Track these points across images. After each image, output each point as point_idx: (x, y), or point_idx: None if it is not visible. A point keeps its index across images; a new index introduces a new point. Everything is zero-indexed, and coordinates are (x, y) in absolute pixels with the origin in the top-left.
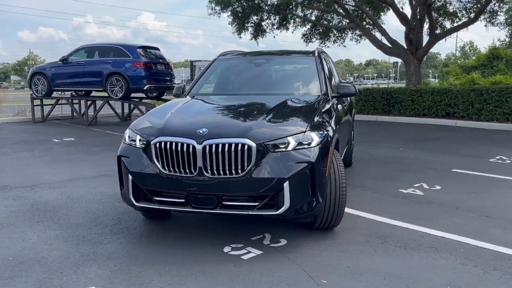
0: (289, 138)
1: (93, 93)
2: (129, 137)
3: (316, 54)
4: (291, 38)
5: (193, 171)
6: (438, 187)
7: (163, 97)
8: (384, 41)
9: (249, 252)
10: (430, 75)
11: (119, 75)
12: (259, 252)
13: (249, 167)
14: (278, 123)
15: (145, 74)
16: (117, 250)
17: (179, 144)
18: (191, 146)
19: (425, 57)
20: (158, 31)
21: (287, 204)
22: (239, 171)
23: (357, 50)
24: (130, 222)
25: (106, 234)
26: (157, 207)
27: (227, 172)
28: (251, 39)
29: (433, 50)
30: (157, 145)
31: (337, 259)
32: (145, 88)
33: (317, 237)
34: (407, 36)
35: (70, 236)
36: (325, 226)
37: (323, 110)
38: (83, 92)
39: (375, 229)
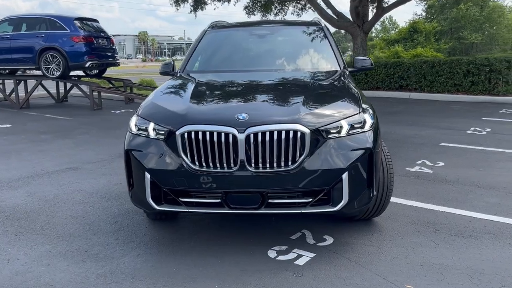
0: (342, 122)
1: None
2: (137, 125)
3: (323, 25)
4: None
5: (232, 165)
6: (441, 163)
7: (104, 74)
8: (330, 13)
9: (299, 255)
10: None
11: (55, 51)
12: (311, 254)
13: (301, 157)
14: (326, 105)
15: (86, 50)
16: (139, 266)
17: (215, 134)
18: (230, 136)
19: None
20: (68, 3)
21: (345, 198)
22: (290, 163)
23: None
24: (134, 226)
25: (113, 245)
26: (185, 210)
27: (275, 164)
28: (190, 11)
29: None
30: (185, 135)
31: (402, 256)
32: (86, 65)
33: (360, 230)
34: (355, 9)
35: (68, 251)
36: (367, 217)
37: (355, 87)
38: (7, 71)
39: (414, 216)
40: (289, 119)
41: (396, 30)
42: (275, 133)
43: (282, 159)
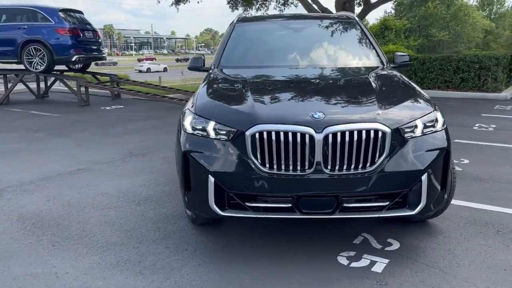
0: (418, 121)
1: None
2: (193, 125)
3: (357, 18)
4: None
5: (307, 167)
6: (466, 161)
7: (89, 69)
8: (316, 8)
9: (373, 261)
10: None
11: (39, 44)
12: (384, 260)
13: (381, 158)
14: (400, 103)
15: (72, 43)
16: (206, 277)
17: (290, 134)
18: (307, 136)
19: None
20: None
21: (424, 201)
22: (368, 164)
23: None
24: (179, 233)
25: (166, 254)
26: (252, 215)
27: (352, 166)
28: (172, 5)
29: None
30: (257, 136)
31: (479, 260)
32: (73, 59)
33: (421, 232)
34: (342, 5)
35: (120, 262)
36: (427, 218)
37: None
38: None
39: (467, 216)
40: (368, 118)
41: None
42: (355, 133)
43: (361, 160)
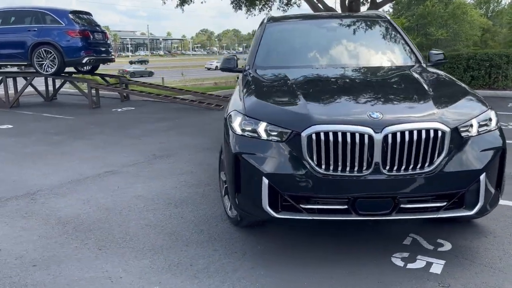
0: (474, 120)
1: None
2: (242, 126)
3: (388, 17)
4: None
5: (365, 168)
6: None
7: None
8: (321, 7)
9: (429, 262)
10: None
11: (50, 46)
12: (440, 261)
13: (440, 158)
14: (455, 103)
15: (82, 45)
16: (263, 281)
17: (348, 135)
18: (366, 136)
19: None
20: None
21: (482, 201)
22: (427, 164)
23: (243, 21)
24: (224, 235)
25: (217, 257)
26: (307, 217)
27: (411, 166)
28: (177, 6)
29: None
30: (313, 136)
31: None
32: (84, 61)
33: (469, 232)
34: (349, 4)
35: (172, 266)
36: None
37: None
38: None
39: (511, 215)
40: (427, 117)
41: None
42: (415, 133)
43: (420, 160)
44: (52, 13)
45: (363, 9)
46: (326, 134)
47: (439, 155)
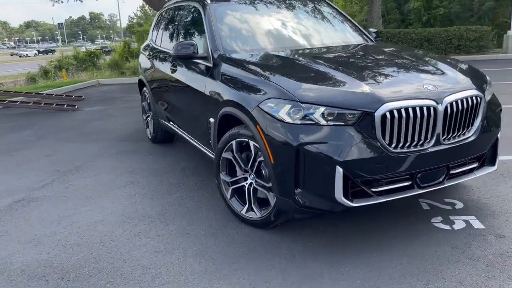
0: (487, 85)
1: None
2: (292, 113)
3: None
4: None
5: (428, 140)
6: None
7: None
8: None
9: (466, 220)
10: (99, 36)
11: None
12: (471, 217)
13: (478, 122)
14: (467, 72)
15: None
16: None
17: (418, 109)
18: (432, 109)
19: (89, 18)
20: None
21: (498, 155)
22: (470, 129)
23: (7, 12)
24: (268, 239)
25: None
26: (379, 201)
27: (460, 133)
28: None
29: (97, 10)
30: (387, 115)
31: None
32: None
33: (459, 188)
34: None
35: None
36: None
37: None
38: None
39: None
40: (466, 86)
41: None
42: (465, 100)
43: (466, 126)
44: None
45: None
46: (399, 111)
47: (477, 119)
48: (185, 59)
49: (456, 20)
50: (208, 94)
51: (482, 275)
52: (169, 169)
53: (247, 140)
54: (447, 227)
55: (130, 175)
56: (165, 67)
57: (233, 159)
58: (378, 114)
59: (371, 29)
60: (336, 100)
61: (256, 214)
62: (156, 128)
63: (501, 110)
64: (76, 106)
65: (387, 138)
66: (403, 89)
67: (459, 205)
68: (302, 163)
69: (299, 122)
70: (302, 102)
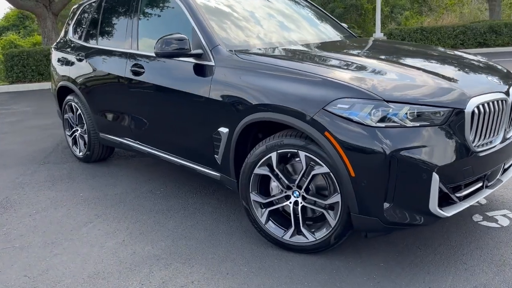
0: None
1: None
2: (374, 115)
3: None
4: None
5: (500, 135)
6: None
7: None
8: None
9: (505, 215)
10: None
11: None
12: (506, 211)
13: None
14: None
15: None
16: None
17: (496, 103)
18: (503, 102)
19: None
20: None
21: None
22: None
23: None
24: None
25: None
26: (464, 207)
27: None
28: None
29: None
30: (476, 110)
31: None
32: None
33: None
34: None
35: None
36: None
37: None
38: None
39: None
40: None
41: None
42: None
43: None
44: None
45: None
46: (483, 106)
47: None
48: (170, 57)
49: None
50: (217, 99)
51: None
52: (133, 193)
53: (295, 150)
54: (494, 224)
55: (87, 207)
56: (118, 69)
57: (271, 175)
58: (468, 110)
59: (344, 24)
60: (423, 97)
61: (307, 238)
62: (93, 145)
63: None
64: None
65: (472, 136)
66: (476, 84)
67: (482, 200)
68: (394, 173)
69: (383, 125)
70: (387, 101)
